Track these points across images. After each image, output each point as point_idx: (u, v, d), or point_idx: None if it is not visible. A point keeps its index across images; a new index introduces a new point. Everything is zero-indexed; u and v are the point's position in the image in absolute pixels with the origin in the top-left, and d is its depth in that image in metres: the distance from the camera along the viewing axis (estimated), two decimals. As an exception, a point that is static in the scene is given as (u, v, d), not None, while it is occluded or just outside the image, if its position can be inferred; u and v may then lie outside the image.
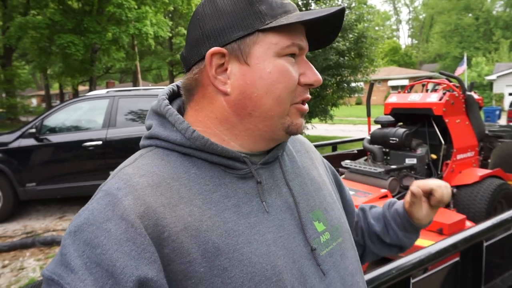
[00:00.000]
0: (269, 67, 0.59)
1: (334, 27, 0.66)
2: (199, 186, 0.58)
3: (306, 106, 0.65)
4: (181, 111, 0.69)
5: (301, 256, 0.61)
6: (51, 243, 3.93)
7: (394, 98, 3.82)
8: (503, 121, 10.06)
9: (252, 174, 0.62)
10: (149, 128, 0.65)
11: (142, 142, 0.66)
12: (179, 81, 0.72)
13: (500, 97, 23.88)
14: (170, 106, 0.64)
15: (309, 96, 0.65)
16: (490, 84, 25.80)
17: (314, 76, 0.63)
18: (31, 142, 4.67)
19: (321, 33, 0.67)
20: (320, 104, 9.94)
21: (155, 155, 0.61)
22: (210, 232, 0.54)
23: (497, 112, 12.07)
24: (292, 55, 0.62)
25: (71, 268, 0.47)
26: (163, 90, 0.70)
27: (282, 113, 0.62)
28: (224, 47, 0.60)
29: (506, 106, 20.73)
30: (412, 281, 1.22)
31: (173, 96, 0.71)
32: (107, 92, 5.30)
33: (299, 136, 0.82)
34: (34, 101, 43.31)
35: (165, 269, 0.51)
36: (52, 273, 0.48)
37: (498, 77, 24.51)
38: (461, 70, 13.02)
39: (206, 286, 0.52)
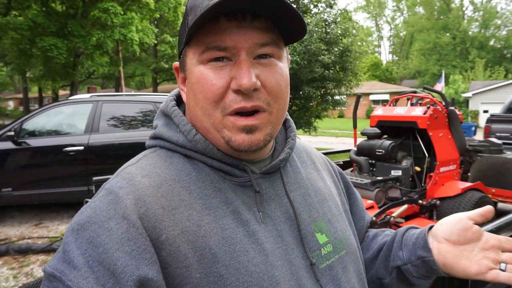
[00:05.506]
0: (194, 76, 0.58)
1: (291, 17, 0.54)
2: (199, 190, 0.58)
3: (244, 121, 0.56)
4: None
5: (300, 268, 0.60)
6: (26, 251, 3.76)
7: (380, 111, 3.90)
8: (479, 137, 10.42)
9: (251, 183, 0.61)
10: (155, 128, 0.66)
11: (147, 143, 0.67)
12: None
13: (476, 114, 24.75)
14: (176, 108, 0.65)
15: (245, 105, 0.55)
16: (466, 101, 26.76)
17: (241, 79, 0.53)
18: (8, 145, 4.49)
19: (288, 25, 0.56)
20: (304, 115, 10.06)
21: (158, 156, 0.62)
22: (208, 238, 0.54)
23: (473, 128, 12.47)
24: (219, 59, 0.55)
25: (73, 265, 0.47)
26: (173, 91, 0.71)
27: (216, 125, 0.57)
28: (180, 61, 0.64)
29: (481, 122, 21.52)
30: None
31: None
32: (90, 96, 5.20)
33: (307, 146, 0.82)
34: (11, 104, 42.19)
35: (163, 272, 0.50)
36: (54, 270, 0.48)
37: (473, 94, 25.43)
38: (440, 86, 13.46)
39: None
